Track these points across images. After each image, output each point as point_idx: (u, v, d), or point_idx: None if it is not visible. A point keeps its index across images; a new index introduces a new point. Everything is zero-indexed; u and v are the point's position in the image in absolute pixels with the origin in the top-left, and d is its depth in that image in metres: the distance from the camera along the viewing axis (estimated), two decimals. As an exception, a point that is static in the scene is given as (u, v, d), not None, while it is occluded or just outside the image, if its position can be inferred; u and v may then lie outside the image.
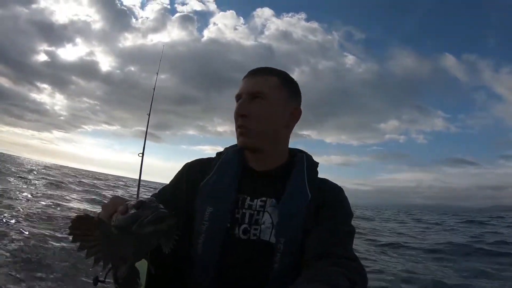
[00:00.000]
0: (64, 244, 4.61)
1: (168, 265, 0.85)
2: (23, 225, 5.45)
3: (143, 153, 2.22)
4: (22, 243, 4.37)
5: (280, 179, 0.91)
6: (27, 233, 4.95)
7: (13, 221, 5.59)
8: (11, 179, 14.49)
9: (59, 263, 3.89)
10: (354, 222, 0.92)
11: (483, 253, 7.32)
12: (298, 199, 0.87)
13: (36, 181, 15.67)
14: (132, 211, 0.63)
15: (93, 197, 12.70)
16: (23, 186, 12.29)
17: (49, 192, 11.57)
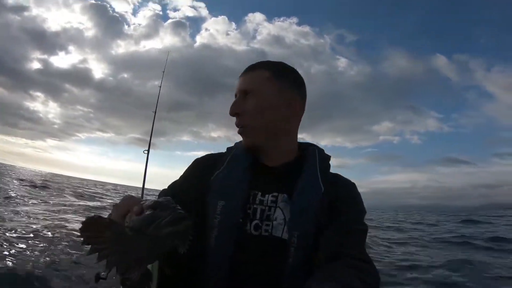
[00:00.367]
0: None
1: (182, 265, 0.83)
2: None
3: (148, 150, 2.20)
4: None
5: (291, 173, 0.89)
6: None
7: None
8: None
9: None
10: None
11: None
12: (311, 193, 0.85)
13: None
14: (148, 212, 0.60)
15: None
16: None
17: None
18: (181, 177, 1.00)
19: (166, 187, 0.99)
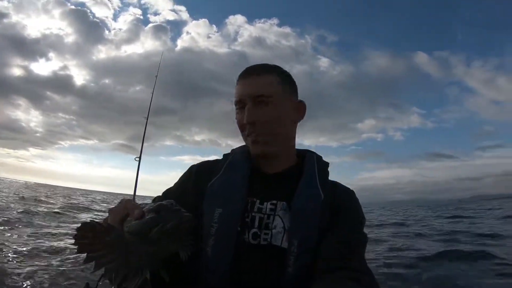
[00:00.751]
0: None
1: (180, 271, 0.79)
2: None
3: (140, 157, 2.13)
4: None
5: (290, 181, 0.88)
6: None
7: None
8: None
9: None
10: None
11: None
12: (311, 200, 0.84)
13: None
14: (150, 215, 0.57)
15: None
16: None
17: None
18: (175, 184, 0.97)
19: (160, 194, 0.96)
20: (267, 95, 0.85)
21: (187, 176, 0.96)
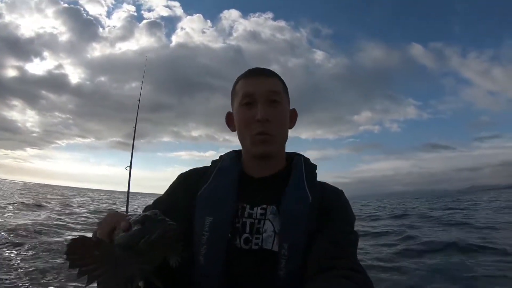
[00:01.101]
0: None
1: (175, 277, 0.81)
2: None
3: (130, 167, 2.19)
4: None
5: (279, 184, 0.89)
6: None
7: None
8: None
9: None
10: None
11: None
12: (299, 203, 0.85)
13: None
14: (136, 227, 0.58)
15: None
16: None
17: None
18: (165, 193, 0.98)
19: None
20: (279, 97, 0.90)
21: (177, 185, 0.97)
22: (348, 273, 0.70)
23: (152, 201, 0.97)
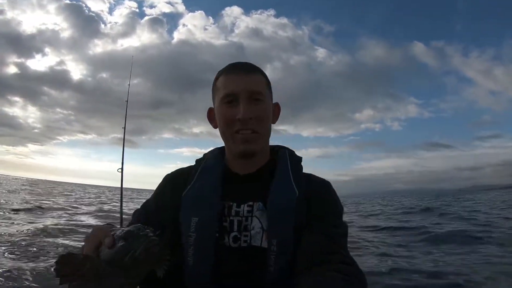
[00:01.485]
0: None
1: (164, 283, 0.78)
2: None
3: (122, 169, 2.01)
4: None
5: (265, 180, 0.88)
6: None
7: None
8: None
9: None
10: None
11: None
12: (285, 198, 0.84)
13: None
14: (120, 243, 0.59)
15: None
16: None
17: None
18: (152, 195, 0.96)
19: (139, 208, 0.95)
20: (261, 94, 0.86)
21: (162, 187, 0.96)
22: (339, 266, 0.70)
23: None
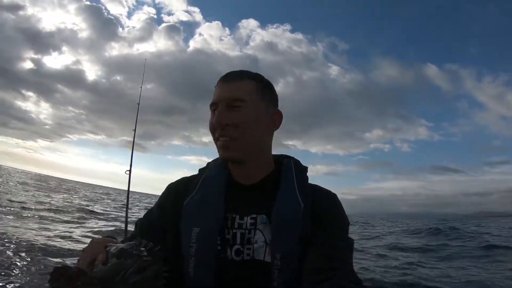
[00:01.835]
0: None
1: None
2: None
3: (130, 171, 2.09)
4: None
5: (269, 191, 0.86)
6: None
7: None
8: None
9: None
10: None
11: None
12: (290, 211, 0.82)
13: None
14: (113, 260, 0.60)
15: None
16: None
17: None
18: (155, 204, 0.95)
19: (141, 217, 0.95)
20: (241, 100, 0.84)
21: (166, 195, 0.94)
22: (344, 283, 0.68)
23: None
